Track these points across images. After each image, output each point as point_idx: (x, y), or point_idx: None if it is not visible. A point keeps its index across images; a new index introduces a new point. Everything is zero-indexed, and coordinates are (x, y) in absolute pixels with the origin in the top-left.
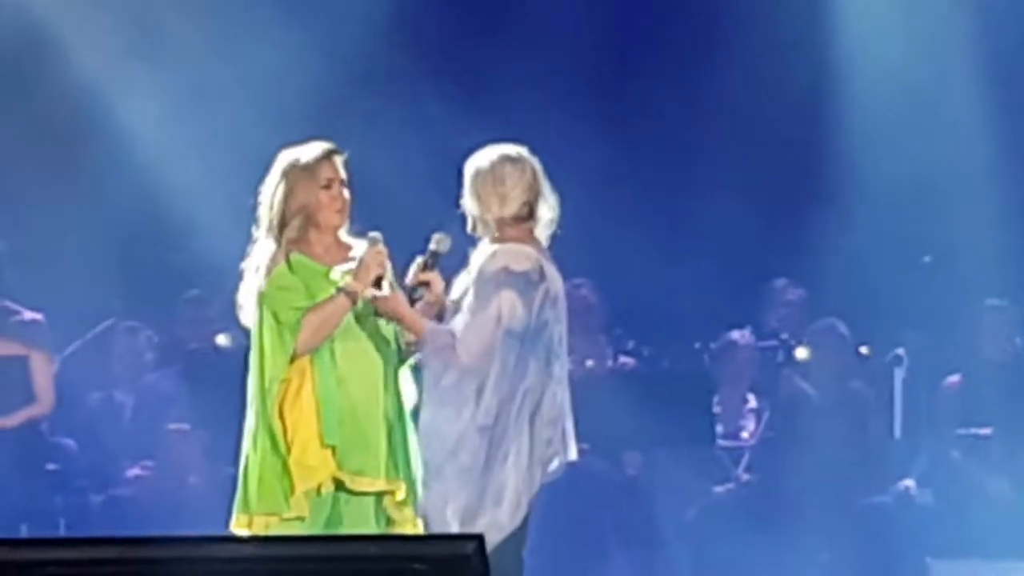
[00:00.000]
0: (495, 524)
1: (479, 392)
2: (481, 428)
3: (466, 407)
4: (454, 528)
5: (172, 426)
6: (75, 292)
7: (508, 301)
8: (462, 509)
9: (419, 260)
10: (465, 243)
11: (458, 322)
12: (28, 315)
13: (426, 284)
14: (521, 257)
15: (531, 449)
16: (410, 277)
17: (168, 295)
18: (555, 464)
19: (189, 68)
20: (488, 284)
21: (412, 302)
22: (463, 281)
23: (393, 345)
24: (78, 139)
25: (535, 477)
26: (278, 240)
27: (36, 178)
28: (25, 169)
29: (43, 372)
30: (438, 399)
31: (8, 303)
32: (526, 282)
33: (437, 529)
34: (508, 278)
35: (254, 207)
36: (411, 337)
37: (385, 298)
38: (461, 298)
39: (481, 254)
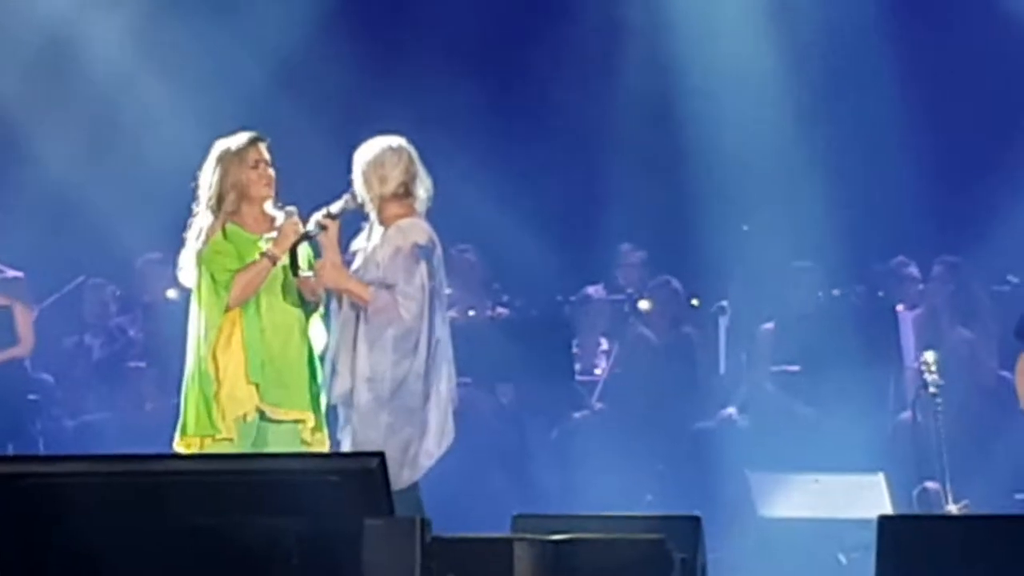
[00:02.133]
0: (426, 452)
1: (416, 345)
2: (419, 375)
3: (407, 358)
4: (395, 454)
5: (131, 364)
6: (54, 254)
7: (424, 270)
8: (404, 440)
9: (326, 209)
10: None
11: (398, 287)
12: (11, 273)
13: (325, 228)
14: (422, 232)
15: (447, 389)
16: (316, 216)
17: (130, 257)
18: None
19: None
20: (409, 258)
21: (307, 236)
22: (368, 246)
23: (305, 301)
24: (56, 116)
25: (449, 411)
26: (216, 213)
27: (11, 154)
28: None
29: (24, 320)
30: (383, 348)
31: None
32: (430, 252)
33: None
34: (420, 251)
35: (194, 188)
36: (311, 295)
37: (332, 268)
38: (370, 262)
39: (384, 228)
